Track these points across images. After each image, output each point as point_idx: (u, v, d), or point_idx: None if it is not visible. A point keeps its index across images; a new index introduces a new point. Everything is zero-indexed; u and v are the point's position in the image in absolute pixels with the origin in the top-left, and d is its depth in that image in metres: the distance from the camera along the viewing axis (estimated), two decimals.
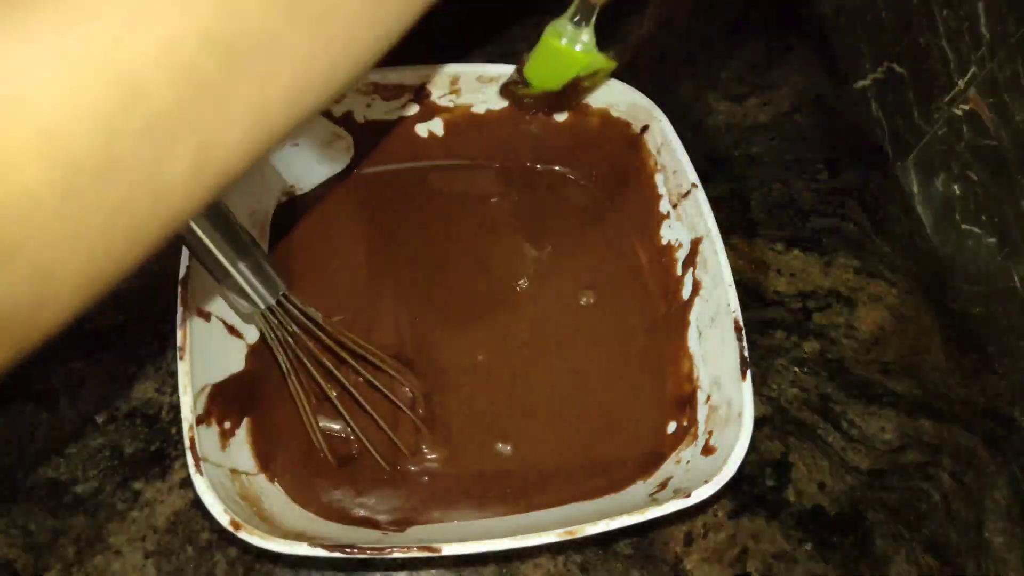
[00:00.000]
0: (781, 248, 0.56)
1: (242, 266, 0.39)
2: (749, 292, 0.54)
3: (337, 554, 0.36)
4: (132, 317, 0.49)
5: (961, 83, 0.53)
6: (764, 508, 0.47)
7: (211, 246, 0.38)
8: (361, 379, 0.45)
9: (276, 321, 0.42)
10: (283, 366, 0.43)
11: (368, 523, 0.42)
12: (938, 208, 0.57)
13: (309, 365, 0.43)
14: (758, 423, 0.49)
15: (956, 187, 0.55)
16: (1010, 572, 0.46)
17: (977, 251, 0.54)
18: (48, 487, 0.44)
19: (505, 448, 0.46)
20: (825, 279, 0.55)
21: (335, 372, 0.44)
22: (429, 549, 0.36)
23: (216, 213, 0.38)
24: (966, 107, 0.53)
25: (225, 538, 0.43)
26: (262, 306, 0.40)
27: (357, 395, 0.44)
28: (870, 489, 0.48)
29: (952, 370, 0.53)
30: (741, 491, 0.47)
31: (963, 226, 0.55)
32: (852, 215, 0.58)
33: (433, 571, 0.43)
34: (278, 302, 0.41)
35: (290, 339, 0.42)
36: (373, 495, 0.44)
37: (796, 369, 0.51)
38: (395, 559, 0.39)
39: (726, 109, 0.63)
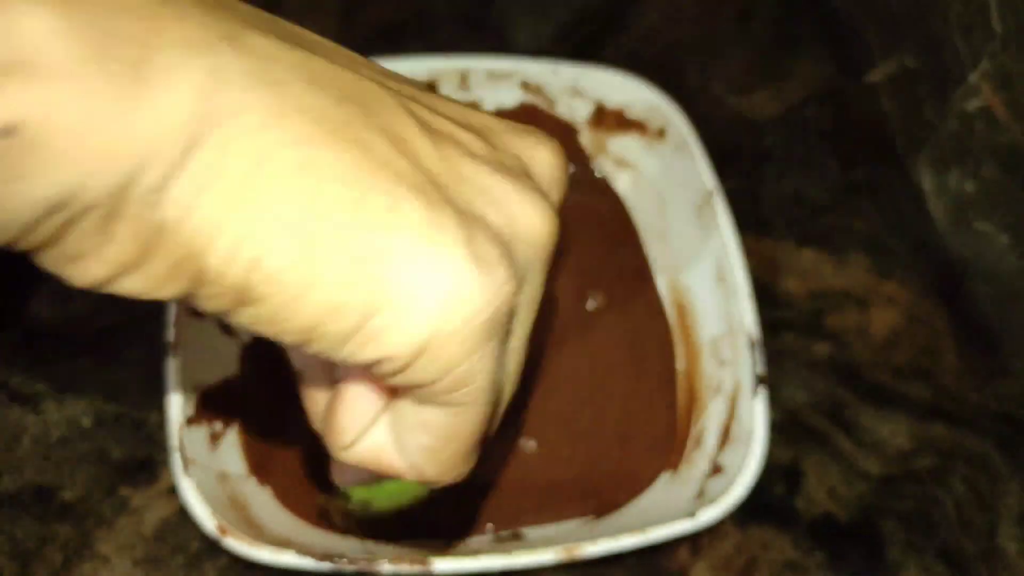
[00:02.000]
0: (792, 246, 0.55)
1: None
2: (758, 292, 0.53)
3: (325, 564, 0.35)
4: (121, 320, 0.48)
5: (974, 77, 0.52)
6: (773, 516, 0.46)
7: None
8: None
9: None
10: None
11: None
12: (951, 206, 0.57)
13: None
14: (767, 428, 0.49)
15: (969, 184, 0.54)
16: None
17: (991, 250, 0.53)
18: (34, 493, 0.43)
19: (528, 443, 0.45)
20: (837, 279, 0.54)
21: None
22: (420, 563, 0.36)
23: None
24: (979, 102, 0.52)
25: (215, 547, 0.42)
26: None
27: None
28: (882, 496, 0.47)
29: (965, 373, 0.52)
30: (750, 499, 0.46)
31: (976, 224, 0.54)
32: (864, 212, 0.57)
33: None
34: None
35: None
36: None
37: (806, 372, 0.50)
38: (385, 572, 0.38)
39: (734, 102, 0.62)
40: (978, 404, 0.51)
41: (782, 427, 0.48)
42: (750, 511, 0.46)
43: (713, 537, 0.45)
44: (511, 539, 0.42)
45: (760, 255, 0.55)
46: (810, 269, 0.54)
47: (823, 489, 0.47)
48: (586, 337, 0.49)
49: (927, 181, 0.59)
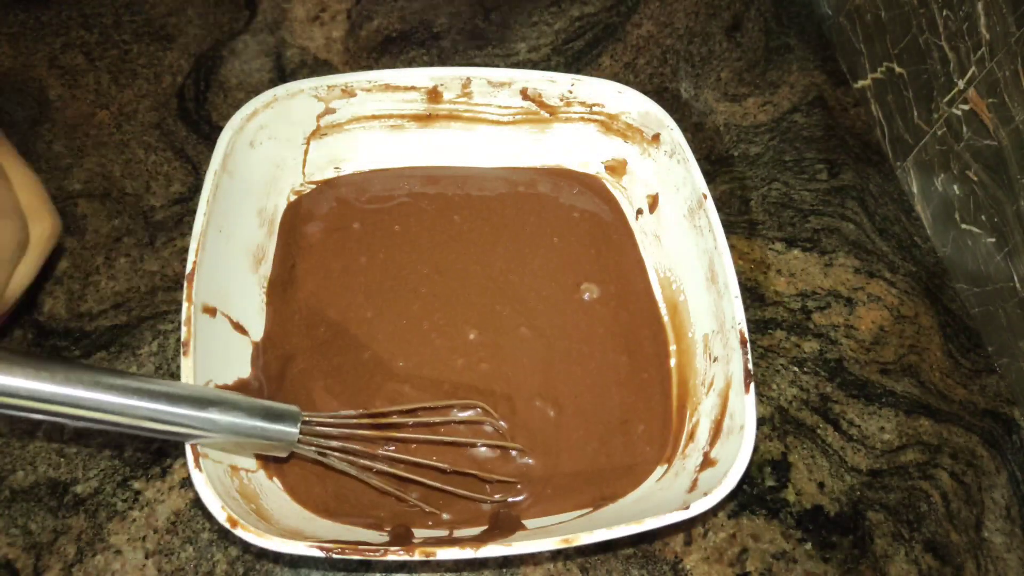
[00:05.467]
0: (781, 248, 0.56)
1: (252, 423, 0.38)
2: (749, 292, 0.54)
3: (334, 555, 0.36)
4: (132, 317, 0.50)
5: (961, 83, 0.53)
6: (764, 508, 0.47)
7: (228, 421, 0.37)
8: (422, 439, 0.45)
9: (315, 442, 0.41)
10: (353, 474, 0.42)
11: (369, 523, 0.42)
12: (937, 208, 0.58)
13: (367, 461, 0.43)
14: (757, 423, 0.49)
15: (955, 187, 0.55)
16: (1009, 572, 0.46)
17: (976, 251, 0.54)
18: (48, 487, 0.44)
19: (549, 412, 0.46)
20: (825, 279, 0.55)
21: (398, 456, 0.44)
22: (425, 553, 0.36)
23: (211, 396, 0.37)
24: (965, 107, 0.53)
25: (225, 538, 0.43)
26: (294, 439, 0.40)
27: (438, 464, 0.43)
28: (870, 489, 0.48)
29: (951, 370, 0.53)
30: (741, 491, 0.47)
31: (962, 226, 0.55)
32: (852, 215, 0.58)
33: (434, 572, 0.43)
34: (304, 426, 0.40)
35: (336, 448, 0.42)
36: (380, 500, 0.44)
37: (796, 369, 0.51)
38: (393, 561, 0.38)
39: (726, 109, 0.63)
40: (964, 400, 0.52)
41: (772, 422, 0.50)
42: (742, 503, 0.47)
43: (706, 528, 0.46)
44: (512, 529, 0.43)
45: (751, 256, 0.56)
46: (799, 270, 0.56)
47: (812, 482, 0.48)
48: (584, 328, 0.50)
49: (914, 184, 0.60)
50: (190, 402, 0.36)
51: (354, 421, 0.42)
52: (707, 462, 0.42)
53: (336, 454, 0.41)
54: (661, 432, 0.47)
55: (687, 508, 0.38)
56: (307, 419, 0.40)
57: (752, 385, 0.41)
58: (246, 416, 0.37)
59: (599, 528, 0.38)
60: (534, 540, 0.37)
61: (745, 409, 0.41)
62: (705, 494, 0.38)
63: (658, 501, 0.42)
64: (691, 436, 0.45)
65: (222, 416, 0.37)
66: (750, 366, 0.42)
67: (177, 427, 0.35)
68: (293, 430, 0.39)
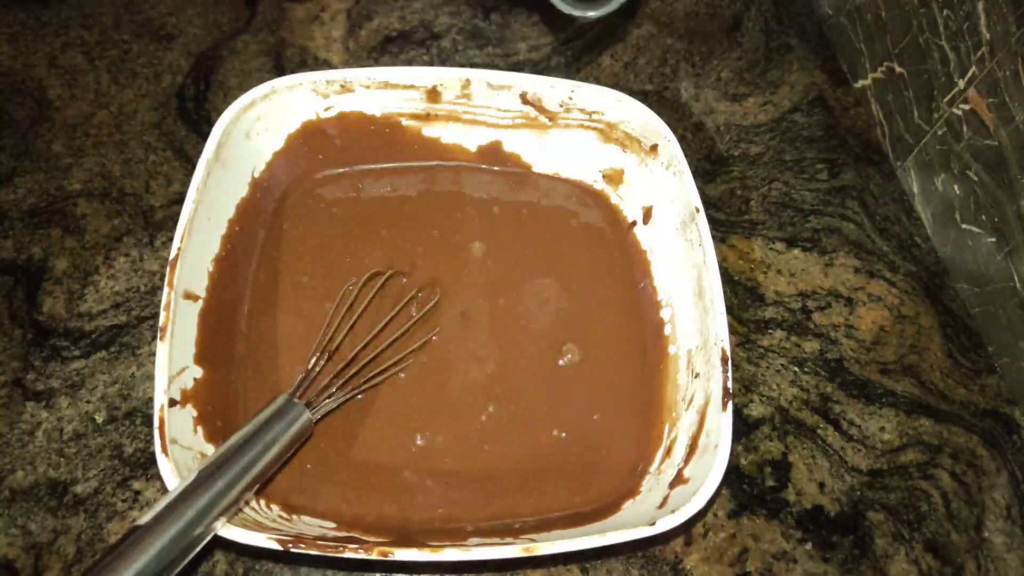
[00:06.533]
0: (781, 248, 0.56)
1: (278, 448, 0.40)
2: (749, 292, 0.54)
3: (291, 548, 0.36)
4: (132, 317, 0.50)
5: (961, 83, 0.53)
6: (764, 508, 0.47)
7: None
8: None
9: (319, 403, 0.43)
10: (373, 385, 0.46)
11: (334, 517, 0.43)
12: (938, 208, 0.57)
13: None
14: (757, 423, 0.49)
15: (956, 187, 0.55)
16: (1010, 572, 0.46)
17: (977, 251, 0.54)
18: (48, 487, 0.44)
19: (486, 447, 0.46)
20: (825, 279, 0.55)
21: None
22: (382, 552, 0.36)
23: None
24: (966, 107, 0.53)
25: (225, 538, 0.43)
26: (310, 420, 0.42)
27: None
28: (870, 489, 0.48)
29: (952, 370, 0.53)
30: (741, 491, 0.47)
31: (963, 226, 0.55)
32: (852, 215, 0.58)
33: (435, 573, 0.43)
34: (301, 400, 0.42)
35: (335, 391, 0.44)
36: (351, 494, 0.44)
37: (796, 369, 0.51)
38: (347, 558, 0.38)
39: (726, 109, 0.63)
40: (964, 400, 0.52)
41: (772, 422, 0.49)
42: (742, 503, 0.47)
43: (706, 528, 0.46)
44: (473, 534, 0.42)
45: (751, 256, 0.56)
46: (799, 270, 0.55)
47: (812, 482, 0.48)
48: (560, 330, 0.50)
49: (914, 184, 0.60)
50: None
51: (325, 363, 0.44)
52: (679, 479, 0.41)
53: (343, 393, 0.44)
54: (636, 449, 0.46)
55: (653, 524, 0.37)
56: (299, 392, 0.42)
57: (730, 404, 0.41)
58: (267, 449, 0.39)
59: (561, 539, 0.37)
60: (493, 547, 0.37)
61: (721, 427, 0.40)
62: (673, 511, 0.38)
63: (629, 515, 0.42)
64: (668, 452, 0.44)
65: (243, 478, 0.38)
66: (729, 384, 0.41)
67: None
68: (305, 413, 0.41)
